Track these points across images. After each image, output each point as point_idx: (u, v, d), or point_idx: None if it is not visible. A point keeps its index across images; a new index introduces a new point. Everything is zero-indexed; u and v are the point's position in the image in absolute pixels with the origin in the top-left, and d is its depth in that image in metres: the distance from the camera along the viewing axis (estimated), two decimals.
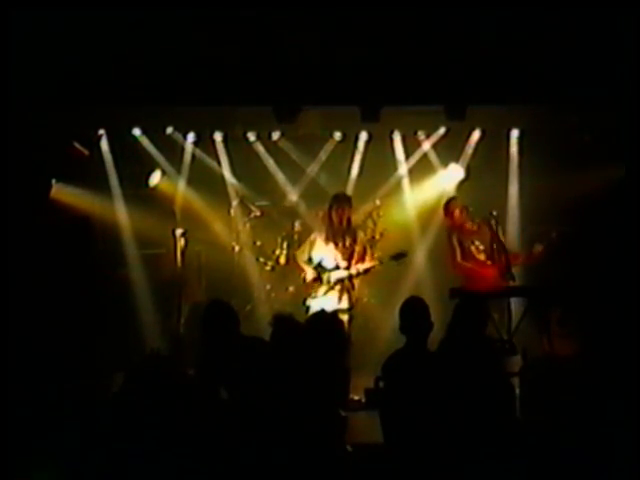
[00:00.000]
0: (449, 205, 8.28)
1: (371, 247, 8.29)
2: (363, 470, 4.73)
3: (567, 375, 5.74)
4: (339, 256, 7.99)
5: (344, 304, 7.85)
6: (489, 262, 8.14)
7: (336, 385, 4.85)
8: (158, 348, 7.82)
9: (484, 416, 4.92)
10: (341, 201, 8.11)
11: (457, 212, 8.17)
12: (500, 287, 8.01)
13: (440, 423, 4.85)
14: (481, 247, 8.19)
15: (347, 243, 8.04)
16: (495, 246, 8.03)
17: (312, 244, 8.19)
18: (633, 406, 4.83)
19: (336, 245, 8.04)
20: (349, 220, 8.09)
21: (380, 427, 5.13)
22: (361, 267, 7.97)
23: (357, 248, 8.04)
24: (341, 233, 8.06)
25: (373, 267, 8.02)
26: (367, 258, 8.06)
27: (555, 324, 7.42)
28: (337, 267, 7.96)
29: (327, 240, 8.08)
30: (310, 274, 8.02)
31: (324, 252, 8.06)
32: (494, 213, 8.15)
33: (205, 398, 4.35)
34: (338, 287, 7.93)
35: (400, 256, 7.97)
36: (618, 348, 6.22)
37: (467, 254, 8.22)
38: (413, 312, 5.33)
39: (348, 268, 7.93)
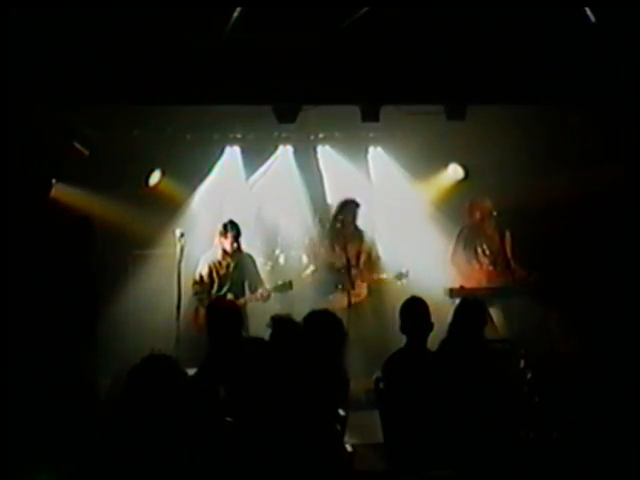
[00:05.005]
0: (474, 206, 8.34)
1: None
2: (363, 470, 4.74)
3: (567, 375, 5.75)
4: (343, 258, 8.03)
5: (343, 303, 7.88)
6: (490, 268, 8.20)
7: (335, 385, 4.86)
8: (160, 348, 7.81)
9: (484, 416, 4.93)
10: (349, 205, 8.20)
11: (479, 215, 8.26)
12: (500, 287, 8.03)
13: (440, 423, 4.86)
14: (487, 252, 8.25)
15: (353, 246, 8.12)
16: (501, 257, 8.14)
17: (319, 242, 8.29)
18: (634, 405, 4.83)
19: (342, 248, 8.09)
20: (356, 225, 8.20)
21: (380, 427, 5.14)
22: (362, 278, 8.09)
23: (362, 253, 8.14)
24: (348, 236, 8.12)
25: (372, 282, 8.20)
26: (369, 264, 8.17)
27: (555, 324, 7.43)
28: (343, 268, 8.01)
29: (333, 242, 8.16)
30: (309, 271, 8.09)
31: (329, 253, 8.14)
32: (494, 213, 8.17)
33: (205, 398, 4.35)
34: (338, 286, 7.99)
35: (401, 276, 8.07)
36: (618, 347, 6.22)
37: (472, 254, 8.27)
38: (413, 312, 5.35)
39: (350, 270, 7.98)
